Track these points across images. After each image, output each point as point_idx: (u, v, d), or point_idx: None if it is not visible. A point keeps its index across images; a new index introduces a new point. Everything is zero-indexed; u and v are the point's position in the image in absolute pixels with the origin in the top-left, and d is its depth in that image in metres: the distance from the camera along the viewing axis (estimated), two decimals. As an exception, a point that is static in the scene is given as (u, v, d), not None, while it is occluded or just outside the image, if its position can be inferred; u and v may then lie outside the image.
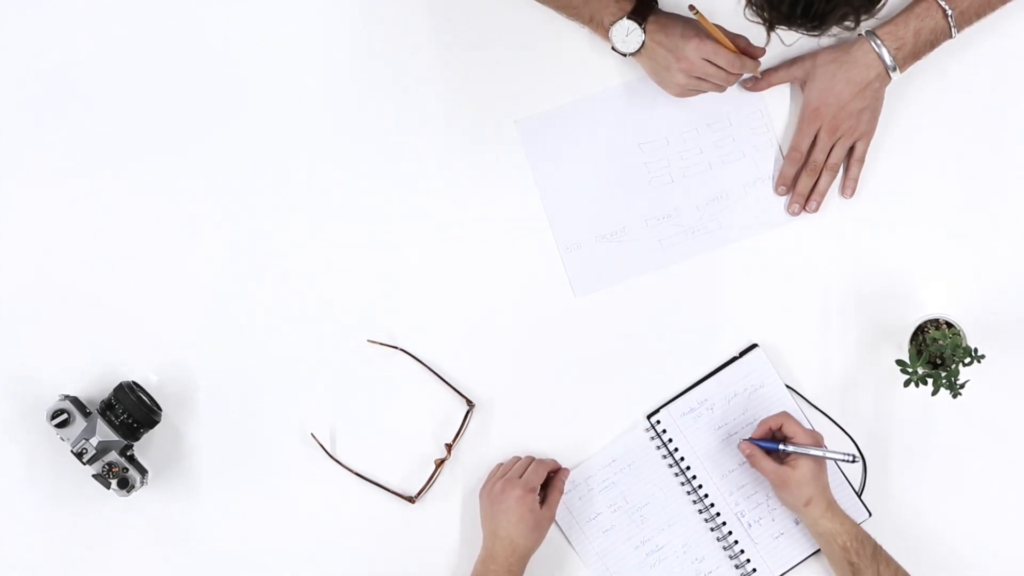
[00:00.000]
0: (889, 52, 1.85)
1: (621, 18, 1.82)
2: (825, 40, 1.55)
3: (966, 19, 1.85)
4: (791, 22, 1.47)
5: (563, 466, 1.91)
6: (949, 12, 1.83)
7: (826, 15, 1.45)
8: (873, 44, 1.86)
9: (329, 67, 1.94)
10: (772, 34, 1.52)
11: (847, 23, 1.47)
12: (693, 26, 1.80)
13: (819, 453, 1.82)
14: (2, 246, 1.94)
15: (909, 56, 1.86)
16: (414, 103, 1.93)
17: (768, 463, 1.83)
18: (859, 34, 1.87)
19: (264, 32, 1.94)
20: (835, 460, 1.84)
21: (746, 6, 1.48)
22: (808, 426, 1.88)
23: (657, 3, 1.83)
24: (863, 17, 1.47)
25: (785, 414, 1.85)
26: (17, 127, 1.94)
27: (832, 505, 1.83)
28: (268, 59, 1.94)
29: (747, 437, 1.87)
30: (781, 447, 1.83)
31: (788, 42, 1.66)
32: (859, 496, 1.90)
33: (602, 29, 1.83)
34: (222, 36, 1.94)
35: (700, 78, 1.82)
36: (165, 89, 1.94)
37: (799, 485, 1.82)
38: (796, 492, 1.82)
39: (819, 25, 1.47)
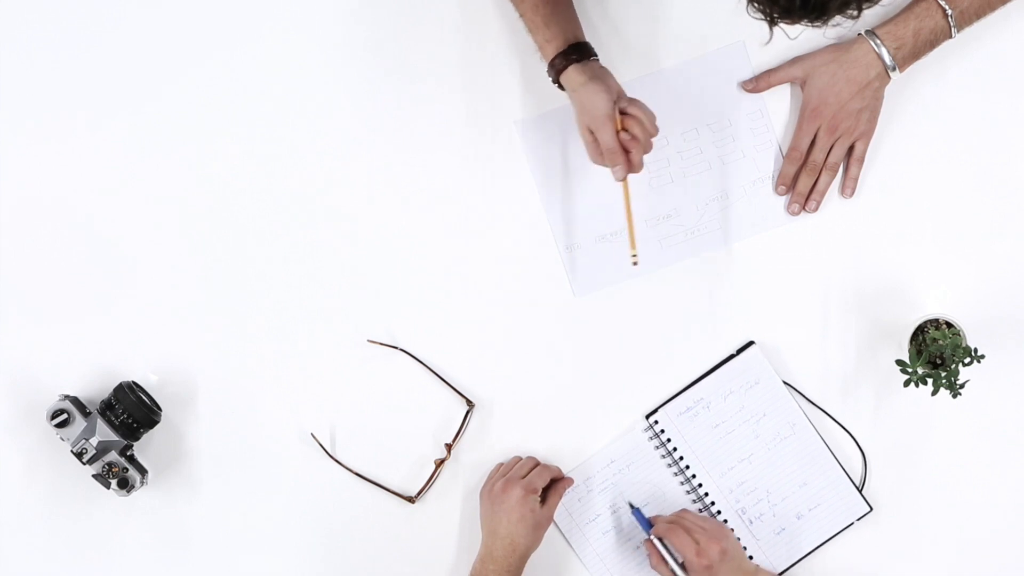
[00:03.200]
0: (889, 52, 1.85)
1: (547, 64, 1.83)
2: (830, 32, 1.54)
3: (966, 19, 1.84)
4: (792, 15, 1.46)
5: (568, 476, 1.91)
6: (949, 12, 1.83)
7: (826, 5, 1.44)
8: (873, 44, 1.86)
9: (329, 68, 1.94)
10: (775, 29, 1.51)
11: (850, 11, 1.46)
12: (589, 105, 1.78)
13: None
14: (2, 246, 1.94)
15: (909, 56, 1.86)
16: (414, 104, 1.93)
17: (665, 569, 1.84)
18: (859, 34, 1.87)
19: (265, 33, 1.94)
20: None
21: (747, 3, 1.48)
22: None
23: (569, 61, 1.81)
24: (865, 5, 1.46)
25: (671, 526, 1.84)
26: (16, 125, 1.94)
27: None
28: (269, 60, 1.94)
29: (650, 527, 1.88)
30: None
31: (792, 35, 1.66)
32: (859, 491, 1.91)
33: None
34: (224, 35, 1.94)
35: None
36: (165, 87, 1.94)
37: None
38: None
39: (820, 16, 1.45)
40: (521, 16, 1.84)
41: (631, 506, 1.91)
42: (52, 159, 1.94)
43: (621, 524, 1.92)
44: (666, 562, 1.84)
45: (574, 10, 1.86)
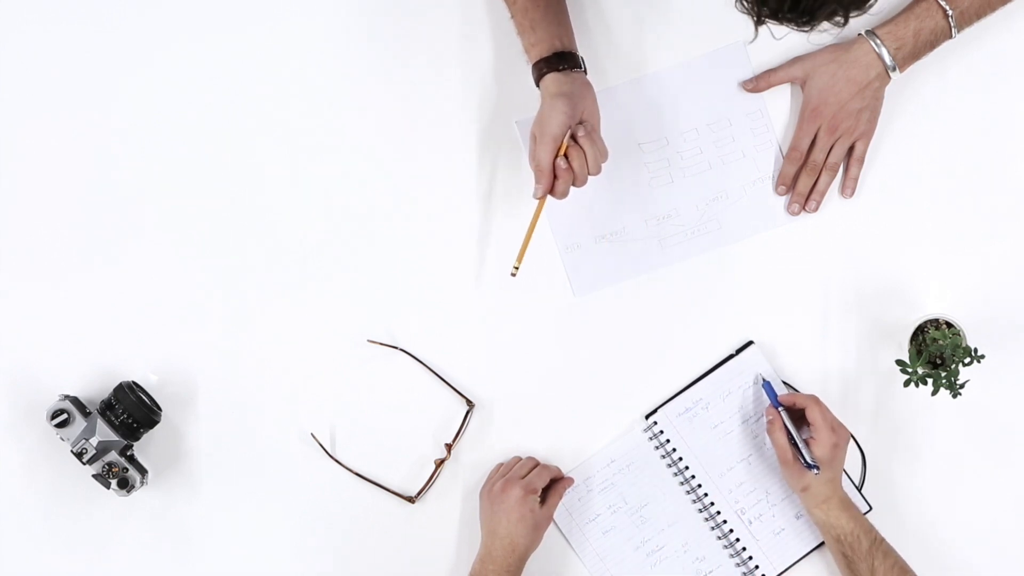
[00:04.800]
0: (889, 52, 1.85)
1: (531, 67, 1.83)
2: (815, 36, 1.54)
3: (966, 19, 1.85)
4: (779, 17, 1.47)
5: (568, 475, 1.91)
6: (950, 12, 1.83)
7: (815, 11, 1.45)
8: (873, 44, 1.86)
9: (330, 69, 1.94)
10: (760, 28, 1.52)
11: (836, 19, 1.47)
12: (545, 118, 1.78)
13: (804, 453, 1.82)
14: (2, 245, 1.94)
15: (909, 56, 1.86)
16: (414, 105, 1.93)
17: (782, 437, 1.84)
18: (859, 34, 1.88)
19: (264, 32, 1.94)
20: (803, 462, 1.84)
21: (736, 0, 1.48)
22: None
23: (546, 70, 1.81)
24: (852, 14, 1.47)
25: (815, 399, 1.85)
26: (16, 123, 1.94)
27: (831, 499, 1.83)
28: (268, 60, 1.94)
29: (778, 402, 1.87)
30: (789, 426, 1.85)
31: (778, 36, 1.67)
32: (859, 490, 1.91)
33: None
34: (223, 34, 1.94)
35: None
36: (164, 88, 1.94)
37: (800, 469, 1.83)
38: (795, 475, 1.84)
39: (808, 21, 1.47)
40: (512, 18, 1.84)
41: (763, 380, 1.90)
42: (52, 158, 1.94)
43: (621, 524, 1.92)
44: (788, 432, 1.84)
45: (567, 17, 1.85)
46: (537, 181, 1.79)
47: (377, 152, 1.94)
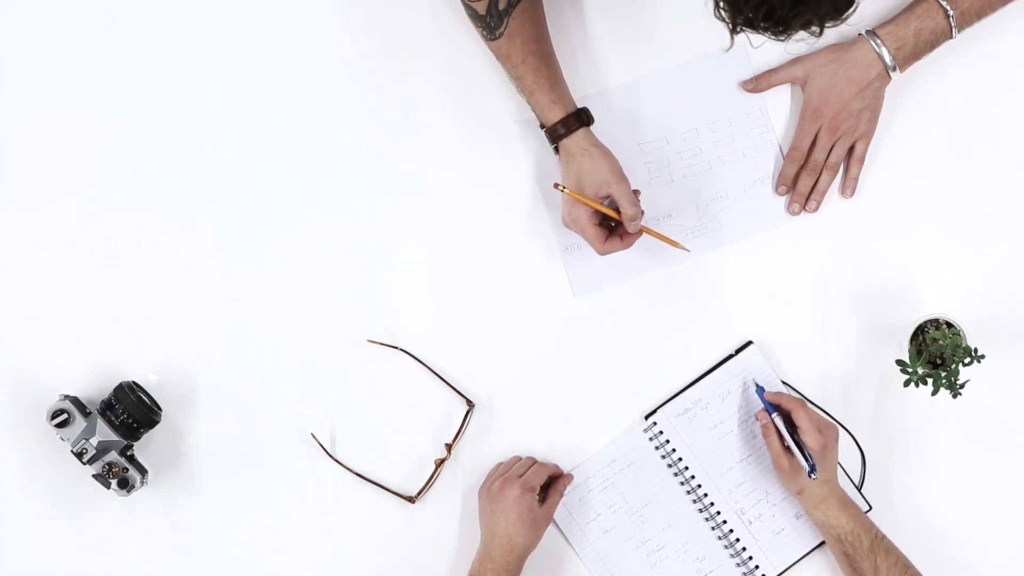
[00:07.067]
0: (889, 52, 1.86)
1: (543, 126, 1.85)
2: (792, 45, 1.55)
3: (967, 20, 1.85)
4: (754, 26, 1.48)
5: (567, 472, 1.91)
6: (951, 13, 1.83)
7: (789, 21, 1.46)
8: (873, 44, 1.86)
9: (330, 69, 1.94)
10: (736, 36, 1.53)
11: (812, 29, 1.48)
12: (608, 164, 1.82)
13: (796, 454, 1.82)
14: (2, 245, 1.94)
15: (909, 56, 1.86)
16: (416, 105, 1.93)
17: (775, 441, 1.84)
18: (859, 34, 1.88)
19: (265, 33, 1.94)
20: (804, 468, 1.84)
21: (714, 7, 1.49)
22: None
23: (568, 129, 1.83)
24: (828, 24, 1.49)
25: (802, 402, 1.85)
26: (18, 124, 1.94)
27: (828, 499, 1.83)
28: (269, 60, 1.94)
29: (771, 406, 1.87)
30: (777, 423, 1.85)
31: (755, 44, 1.68)
32: (859, 489, 1.91)
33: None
34: (223, 37, 1.94)
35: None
36: (165, 89, 1.94)
37: (794, 473, 1.83)
38: (790, 479, 1.84)
39: (784, 30, 1.48)
40: (519, 78, 1.84)
41: (756, 385, 1.90)
42: (52, 157, 1.94)
43: (621, 523, 1.92)
44: (781, 436, 1.84)
45: None
46: (635, 218, 1.80)
47: (377, 153, 1.94)
